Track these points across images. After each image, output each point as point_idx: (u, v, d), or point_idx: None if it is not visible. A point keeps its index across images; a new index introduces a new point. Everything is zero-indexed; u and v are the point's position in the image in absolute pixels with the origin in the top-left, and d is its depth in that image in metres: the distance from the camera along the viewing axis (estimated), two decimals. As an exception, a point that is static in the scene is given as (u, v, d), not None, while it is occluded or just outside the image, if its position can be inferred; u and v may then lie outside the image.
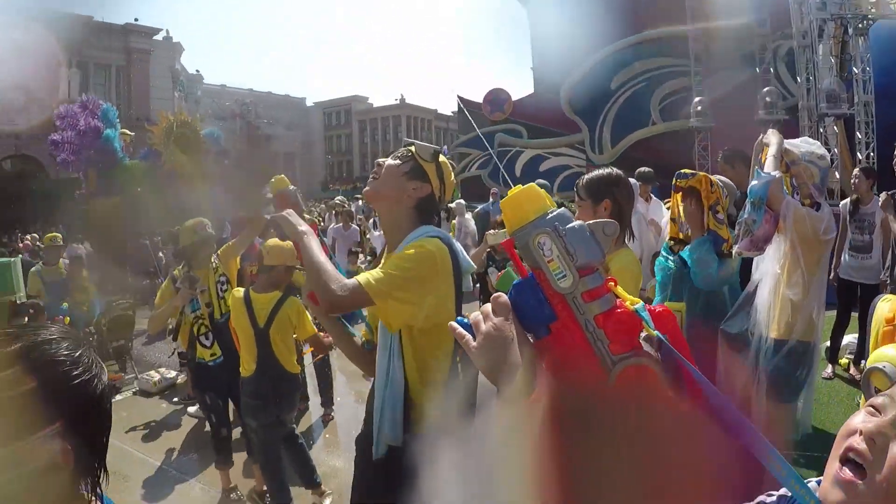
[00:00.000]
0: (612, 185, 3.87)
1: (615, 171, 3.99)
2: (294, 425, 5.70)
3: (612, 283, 1.11)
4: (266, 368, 5.22)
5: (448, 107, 77.50)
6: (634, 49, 24.97)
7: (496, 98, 30.14)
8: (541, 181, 10.33)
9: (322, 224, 16.22)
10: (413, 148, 3.08)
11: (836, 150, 17.48)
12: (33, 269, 10.45)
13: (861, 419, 1.25)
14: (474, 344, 1.20)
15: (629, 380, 1.02)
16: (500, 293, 1.19)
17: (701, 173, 4.87)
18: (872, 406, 1.25)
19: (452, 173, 3.17)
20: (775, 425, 4.38)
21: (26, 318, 7.99)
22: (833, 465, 1.19)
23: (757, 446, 1.04)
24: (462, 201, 15.25)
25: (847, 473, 1.18)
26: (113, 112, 17.71)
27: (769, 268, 4.55)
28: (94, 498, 1.50)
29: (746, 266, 4.89)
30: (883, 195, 7.49)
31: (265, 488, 5.85)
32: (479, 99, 30.42)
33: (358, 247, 14.14)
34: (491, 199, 15.16)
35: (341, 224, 14.53)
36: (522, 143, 28.95)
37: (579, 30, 26.53)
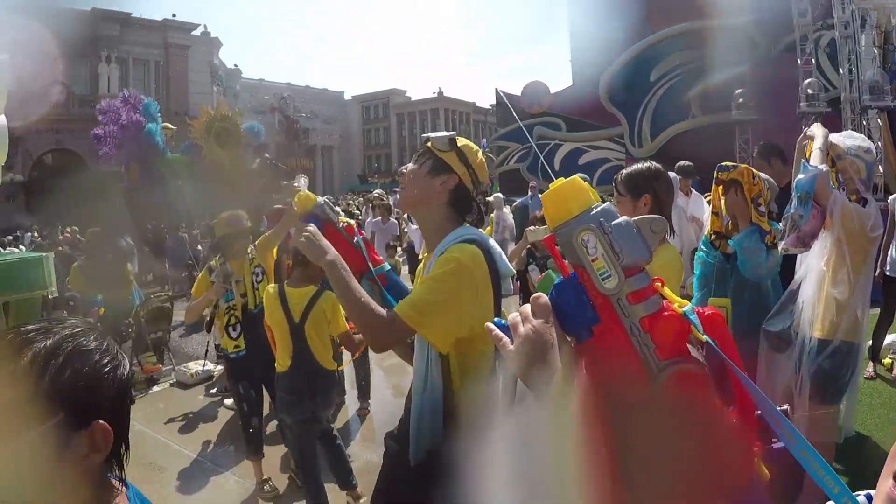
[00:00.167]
0: (652, 180, 3.80)
1: (654, 165, 3.90)
2: (332, 425, 5.63)
3: (659, 284, 1.03)
4: (301, 364, 5.17)
5: (486, 100, 77.26)
6: (674, 41, 24.66)
7: (535, 91, 29.96)
8: (581, 175, 10.22)
9: (360, 217, 16.21)
10: (429, 143, 2.97)
11: (879, 143, 17.13)
12: (75, 263, 10.53)
13: None
14: (511, 347, 1.12)
15: (675, 387, 0.95)
16: (539, 294, 1.10)
17: (743, 165, 4.77)
18: None
19: (479, 153, 3.01)
20: (818, 427, 4.27)
21: (65, 313, 8.06)
22: (886, 483, 1.11)
23: (808, 459, 0.97)
24: (500, 195, 15.17)
25: None
26: (154, 106, 17.90)
27: (814, 265, 4.42)
28: (119, 484, 1.55)
29: (788, 262, 4.77)
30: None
31: None
32: (517, 92, 30.25)
33: (396, 240, 14.09)
34: (529, 193, 15.06)
35: (380, 218, 14.48)
36: (561, 137, 28.75)
37: (618, 21, 26.31)
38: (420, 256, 3.18)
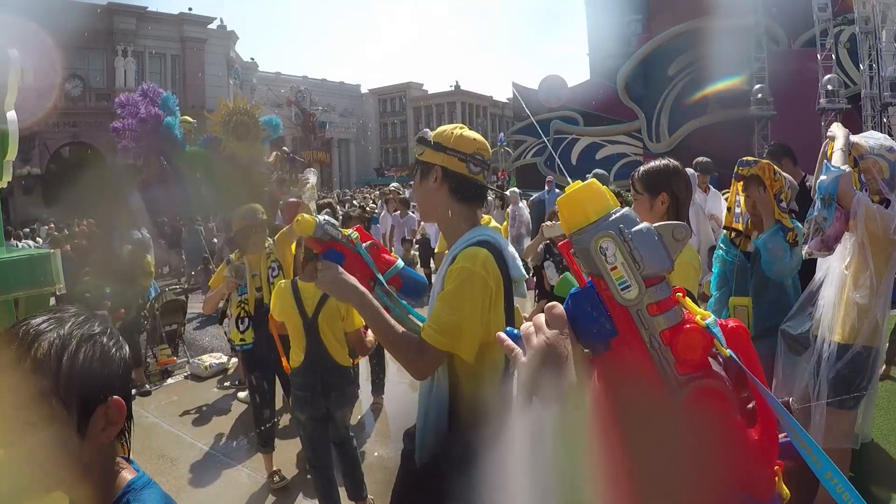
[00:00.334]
0: (670, 178, 3.72)
1: (672, 162, 3.82)
2: (352, 433, 5.56)
3: (680, 295, 0.98)
4: (314, 359, 5.09)
5: (503, 93, 77.28)
6: (692, 35, 24.52)
7: (552, 85, 29.89)
8: (598, 171, 10.17)
9: (375, 211, 16.19)
10: (414, 150, 2.95)
11: (900, 141, 16.98)
12: (93, 255, 10.56)
13: None
14: (523, 359, 1.06)
15: (696, 403, 0.90)
16: (554, 303, 1.05)
17: (764, 161, 4.70)
18: None
19: (453, 131, 2.89)
20: (835, 433, 4.20)
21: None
22: None
23: (833, 480, 0.92)
24: (516, 189, 15.10)
25: None
26: (173, 100, 17.92)
27: (835, 267, 4.35)
28: (123, 461, 1.64)
29: (808, 260, 4.70)
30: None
31: None
32: (534, 86, 30.18)
33: (413, 234, 14.07)
34: (546, 188, 14.97)
35: (398, 212, 14.47)
36: (578, 131, 28.71)
37: (635, 16, 26.20)
38: (437, 250, 3.17)
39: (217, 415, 8.26)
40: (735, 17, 22.40)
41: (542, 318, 1.06)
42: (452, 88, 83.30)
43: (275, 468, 6.26)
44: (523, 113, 29.51)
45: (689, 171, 6.19)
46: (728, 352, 0.94)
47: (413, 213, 14.66)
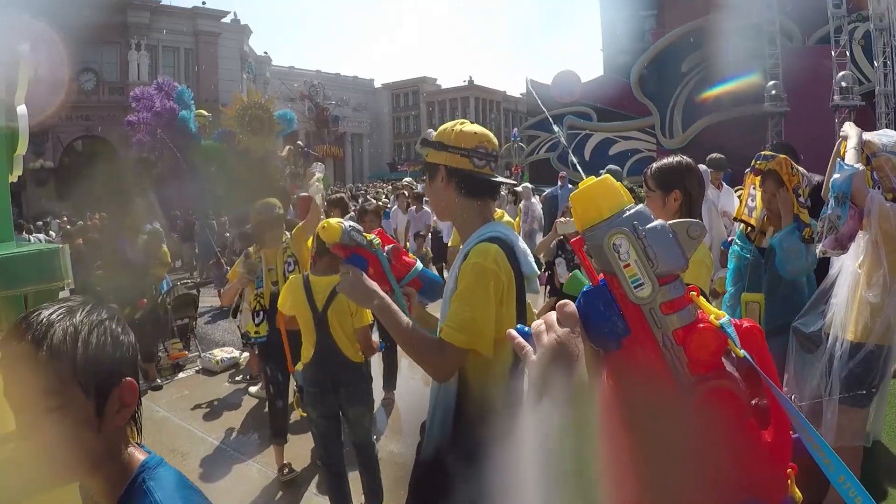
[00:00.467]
0: (683, 175, 3.69)
1: (685, 159, 3.80)
2: (375, 437, 5.49)
3: (694, 293, 0.96)
4: (324, 354, 5.05)
5: (517, 89, 77.16)
6: (706, 31, 24.41)
7: (565, 80, 29.82)
8: (612, 166, 10.13)
9: (388, 206, 16.20)
10: (420, 152, 2.99)
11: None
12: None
13: None
14: (533, 357, 1.04)
15: (708, 404, 0.88)
16: (566, 301, 1.02)
17: (781, 155, 4.66)
18: None
19: (454, 128, 2.91)
20: (847, 431, 4.18)
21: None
22: None
23: (846, 484, 0.90)
24: (529, 185, 15.08)
25: None
26: (188, 94, 18.01)
27: (848, 266, 4.32)
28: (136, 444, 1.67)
29: (823, 259, 4.67)
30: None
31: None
32: (548, 81, 30.13)
33: (427, 229, 14.07)
34: (559, 183, 14.93)
35: (414, 207, 14.47)
36: (592, 126, 28.65)
37: (649, 11, 26.13)
38: (450, 245, 3.19)
39: (228, 409, 8.28)
40: (749, 14, 22.31)
41: (553, 315, 1.03)
42: (466, 83, 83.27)
43: (286, 461, 6.27)
44: (537, 108, 29.51)
45: (702, 167, 6.16)
46: (742, 352, 0.92)
47: (427, 207, 14.68)
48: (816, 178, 4.95)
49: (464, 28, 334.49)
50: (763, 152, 4.74)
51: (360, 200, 18.07)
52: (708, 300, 1.01)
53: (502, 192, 14.59)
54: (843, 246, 4.12)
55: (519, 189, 14.51)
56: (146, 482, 1.56)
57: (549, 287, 8.13)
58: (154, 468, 1.60)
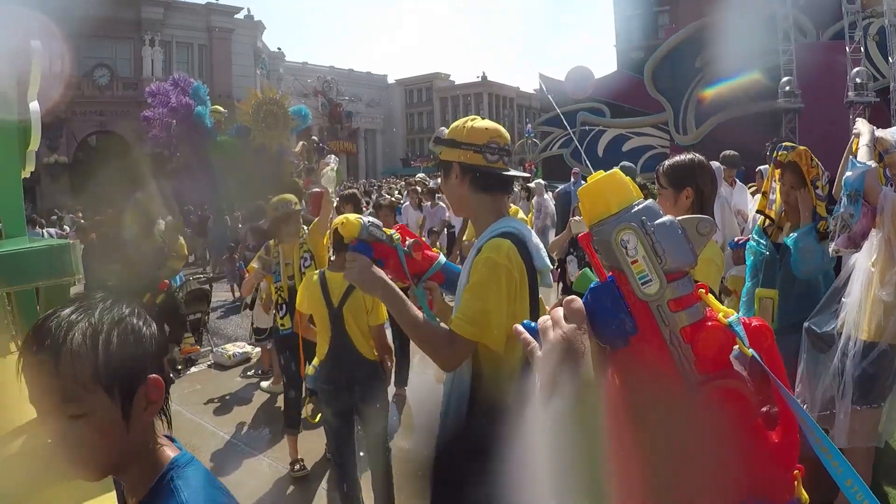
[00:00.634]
0: (695, 173, 3.68)
1: (697, 157, 3.79)
2: (390, 446, 5.46)
3: (703, 291, 0.95)
4: (339, 351, 5.02)
5: (530, 84, 76.90)
6: (720, 27, 24.25)
7: (579, 76, 29.70)
8: (625, 163, 10.10)
9: (401, 201, 16.21)
10: (434, 150, 3.04)
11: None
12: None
13: None
14: (539, 353, 1.04)
15: (715, 403, 0.87)
16: (573, 297, 1.01)
17: (801, 147, 4.64)
18: None
19: (465, 124, 2.94)
20: (860, 432, 4.15)
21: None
22: None
23: (854, 487, 0.89)
24: (542, 181, 15.06)
25: None
26: (203, 89, 18.09)
27: (861, 264, 4.28)
28: (166, 438, 1.68)
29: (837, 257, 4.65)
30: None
31: None
32: (561, 77, 30.03)
33: (441, 224, 14.07)
34: (572, 180, 14.88)
35: (429, 203, 14.49)
36: (605, 123, 28.51)
37: (663, 7, 26.05)
38: (465, 239, 3.23)
39: (239, 404, 8.31)
40: (763, 9, 22.19)
41: (560, 311, 1.02)
42: (479, 79, 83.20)
43: (299, 456, 6.30)
44: (550, 104, 29.35)
45: (716, 164, 6.13)
46: (750, 351, 0.91)
47: (442, 203, 14.69)
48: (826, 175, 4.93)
49: (477, 24, 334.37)
50: (785, 143, 4.72)
51: (373, 196, 18.10)
52: (718, 299, 1.00)
53: (515, 189, 14.59)
54: (856, 244, 4.09)
55: (532, 185, 14.50)
56: (174, 480, 1.55)
57: (561, 284, 8.12)
58: (184, 466, 1.59)
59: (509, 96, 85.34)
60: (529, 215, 13.00)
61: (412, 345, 8.21)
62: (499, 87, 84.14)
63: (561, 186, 15.82)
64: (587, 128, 28.42)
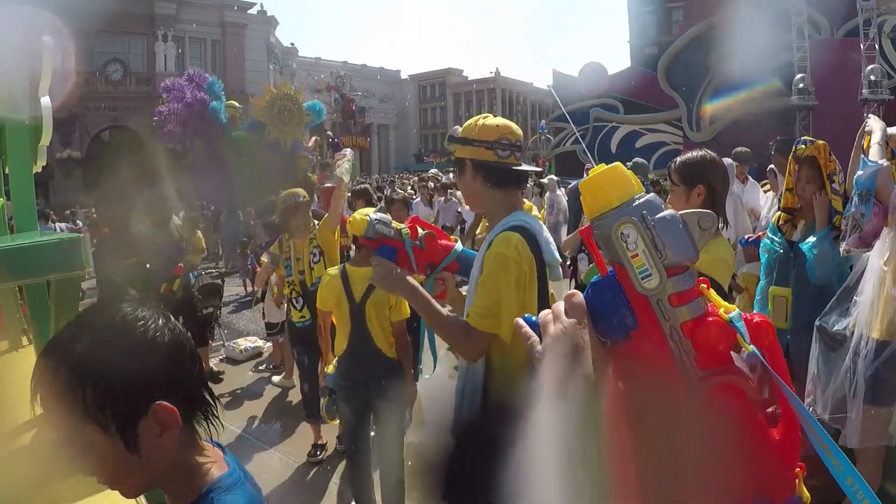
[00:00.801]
0: (707, 170, 3.69)
1: (709, 154, 3.79)
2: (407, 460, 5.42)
3: (705, 286, 0.94)
4: (358, 347, 4.97)
5: (544, 80, 76.82)
6: (733, 23, 24.13)
7: (592, 72, 29.66)
8: (638, 159, 10.08)
9: (413, 196, 16.24)
10: (448, 148, 3.19)
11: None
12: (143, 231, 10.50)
13: None
14: (539, 348, 1.04)
15: (715, 399, 0.87)
16: (574, 292, 1.00)
17: (820, 142, 4.62)
18: None
19: (476, 122, 3.06)
20: (871, 431, 4.13)
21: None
22: None
23: (854, 486, 0.88)
24: (554, 177, 15.05)
25: None
26: (218, 84, 18.13)
27: (873, 263, 4.25)
28: (214, 450, 1.59)
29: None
30: None
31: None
32: (574, 73, 29.99)
33: (455, 219, 14.11)
34: (585, 175, 14.93)
35: (442, 198, 14.55)
36: (618, 119, 28.47)
37: (677, 3, 25.94)
38: (478, 233, 3.32)
39: (251, 398, 8.35)
40: (777, 5, 22.09)
41: (561, 306, 1.02)
42: (492, 75, 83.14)
43: (322, 441, 6.41)
44: (564, 100, 29.30)
45: (728, 161, 6.11)
46: (751, 347, 0.90)
47: (454, 198, 14.72)
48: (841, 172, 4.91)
49: (490, 19, 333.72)
50: (804, 137, 4.71)
51: (385, 191, 18.13)
52: (729, 297, 0.99)
53: (528, 185, 14.61)
54: (867, 244, 4.06)
55: (545, 181, 14.51)
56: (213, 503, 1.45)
57: (573, 282, 8.12)
58: (227, 490, 1.48)
59: (522, 92, 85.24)
60: (542, 211, 12.99)
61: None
62: (512, 83, 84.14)
63: (574, 182, 15.80)
64: (600, 124, 28.38)
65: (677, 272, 0.90)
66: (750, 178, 8.95)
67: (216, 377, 9.09)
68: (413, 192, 19.28)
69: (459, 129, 3.13)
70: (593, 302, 0.97)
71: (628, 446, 0.87)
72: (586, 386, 0.92)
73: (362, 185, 8.82)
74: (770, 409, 0.95)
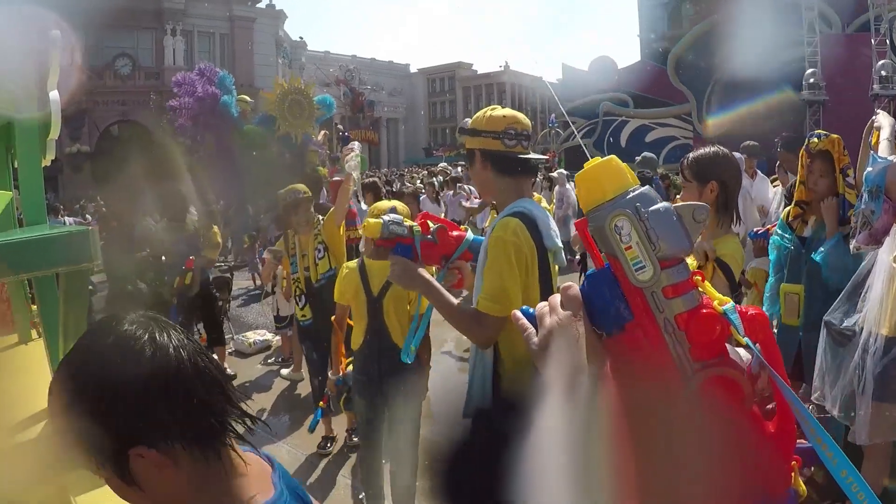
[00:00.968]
0: (720, 166, 3.71)
1: (722, 150, 3.81)
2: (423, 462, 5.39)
3: (699, 278, 0.95)
4: (374, 341, 4.95)
5: (553, 74, 76.56)
6: (744, 17, 24.03)
7: (602, 66, 29.61)
8: (647, 154, 10.07)
9: (421, 190, 16.25)
10: (460, 140, 3.33)
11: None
12: (158, 224, 10.48)
13: None
14: (535, 340, 1.05)
15: (709, 391, 0.88)
16: (570, 284, 1.02)
17: (834, 135, 4.60)
18: None
19: (485, 114, 3.19)
20: (881, 427, 4.11)
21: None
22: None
23: (849, 478, 0.89)
24: (564, 171, 15.06)
25: None
26: (229, 79, 18.13)
27: (883, 259, 4.22)
28: (262, 473, 1.49)
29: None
30: None
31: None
32: (584, 67, 29.93)
33: (468, 213, 14.14)
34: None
35: (451, 192, 14.63)
36: (628, 113, 28.39)
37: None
38: (486, 226, 3.40)
39: (259, 391, 8.39)
40: (787, 0, 22.00)
41: (557, 298, 1.03)
42: (501, 69, 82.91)
43: (332, 434, 6.46)
44: (574, 94, 29.21)
45: (737, 155, 6.10)
46: (745, 340, 0.91)
47: (462, 191, 14.73)
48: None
49: (500, 13, 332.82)
50: (818, 131, 4.69)
51: (394, 185, 18.14)
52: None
53: (537, 179, 14.63)
54: (877, 241, 4.04)
55: (554, 175, 14.54)
56: None
57: (583, 276, 8.14)
58: None
59: (531, 86, 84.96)
60: (552, 205, 12.99)
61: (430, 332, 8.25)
62: (521, 77, 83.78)
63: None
64: (610, 118, 28.31)
65: (671, 264, 0.91)
66: (759, 172, 8.91)
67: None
68: (421, 186, 19.34)
69: (469, 121, 3.24)
70: (589, 294, 0.99)
71: (622, 437, 0.87)
72: (581, 376, 0.93)
73: (371, 179, 8.84)
74: (770, 406, 0.96)
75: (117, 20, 40.82)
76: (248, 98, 18.75)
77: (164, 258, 8.46)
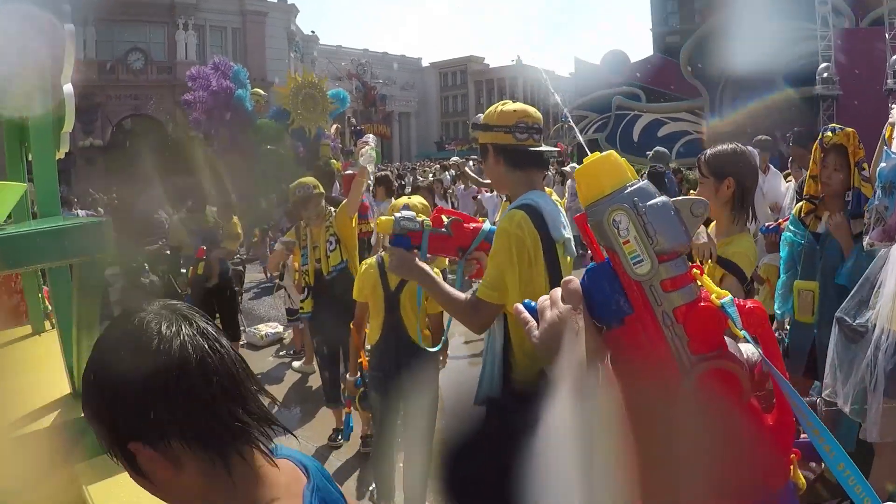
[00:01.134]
0: (736, 163, 3.74)
1: (739, 147, 3.84)
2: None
3: (698, 272, 0.96)
4: (391, 336, 4.97)
5: (566, 68, 76.30)
6: (757, 11, 23.89)
7: (614, 60, 29.47)
8: (659, 148, 10.04)
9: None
10: (473, 135, 3.40)
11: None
12: (175, 216, 10.47)
13: None
14: (536, 333, 1.06)
15: (708, 384, 0.89)
16: (571, 278, 1.04)
17: (849, 129, 4.57)
18: None
19: (496, 109, 3.26)
20: (890, 425, 4.10)
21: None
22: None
23: (846, 472, 0.90)
24: (576, 165, 15.04)
25: None
26: (244, 73, 18.18)
27: (895, 256, 4.22)
28: (285, 466, 1.46)
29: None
30: None
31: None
32: (596, 61, 29.82)
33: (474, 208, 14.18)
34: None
35: (462, 186, 14.69)
36: (640, 107, 28.23)
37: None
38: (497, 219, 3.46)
39: (271, 383, 8.39)
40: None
41: (558, 292, 1.05)
42: (514, 63, 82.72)
43: (342, 426, 6.36)
44: (586, 88, 29.07)
45: (749, 149, 6.08)
46: (742, 333, 0.92)
47: (473, 184, 14.77)
48: None
49: (512, 7, 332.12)
50: (832, 125, 4.67)
51: (406, 178, 18.18)
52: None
53: (549, 173, 14.64)
54: (891, 237, 4.01)
55: (566, 169, 14.57)
56: None
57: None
58: None
59: (544, 80, 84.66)
60: (563, 199, 13.00)
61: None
62: (534, 71, 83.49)
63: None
64: (622, 112, 28.19)
65: (669, 258, 0.92)
66: (772, 167, 8.86)
67: None
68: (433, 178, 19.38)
69: (482, 116, 3.31)
70: (589, 288, 1.00)
71: (623, 432, 0.88)
72: (581, 369, 0.94)
73: (383, 173, 8.85)
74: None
75: (129, 15, 41.00)
76: (262, 92, 18.80)
77: (181, 249, 8.49)
